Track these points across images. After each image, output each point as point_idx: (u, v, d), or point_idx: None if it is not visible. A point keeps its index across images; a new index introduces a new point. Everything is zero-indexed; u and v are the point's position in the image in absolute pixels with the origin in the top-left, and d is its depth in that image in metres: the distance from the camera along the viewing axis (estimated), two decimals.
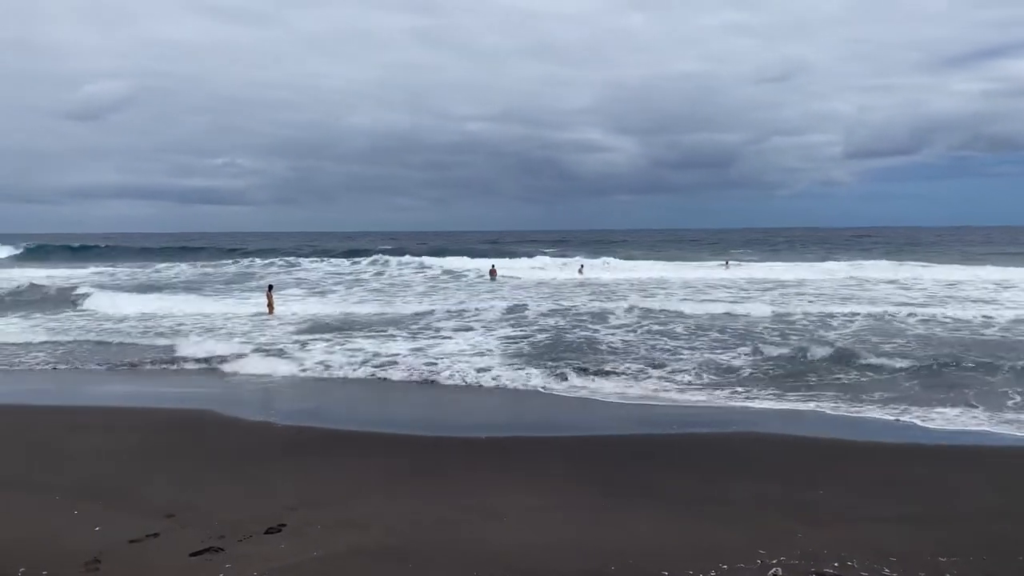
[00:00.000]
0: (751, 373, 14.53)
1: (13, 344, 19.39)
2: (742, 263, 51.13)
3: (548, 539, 6.82)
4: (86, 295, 29.42)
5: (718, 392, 13.22)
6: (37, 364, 16.81)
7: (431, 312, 25.04)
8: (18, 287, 34.01)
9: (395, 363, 15.64)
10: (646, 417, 11.59)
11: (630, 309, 23.50)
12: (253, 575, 6.00)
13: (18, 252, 77.08)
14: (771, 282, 37.68)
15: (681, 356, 16.21)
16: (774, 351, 16.27)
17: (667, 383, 13.79)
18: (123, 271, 51.59)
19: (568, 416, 11.91)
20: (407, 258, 55.54)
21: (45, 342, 19.74)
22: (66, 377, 15.52)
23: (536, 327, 20.61)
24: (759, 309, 24.06)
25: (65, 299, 29.52)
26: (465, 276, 44.02)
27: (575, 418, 11.81)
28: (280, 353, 16.96)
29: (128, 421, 11.45)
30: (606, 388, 13.25)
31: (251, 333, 20.75)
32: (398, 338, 19.21)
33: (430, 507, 7.68)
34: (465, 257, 58.92)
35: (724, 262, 50.00)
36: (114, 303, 28.01)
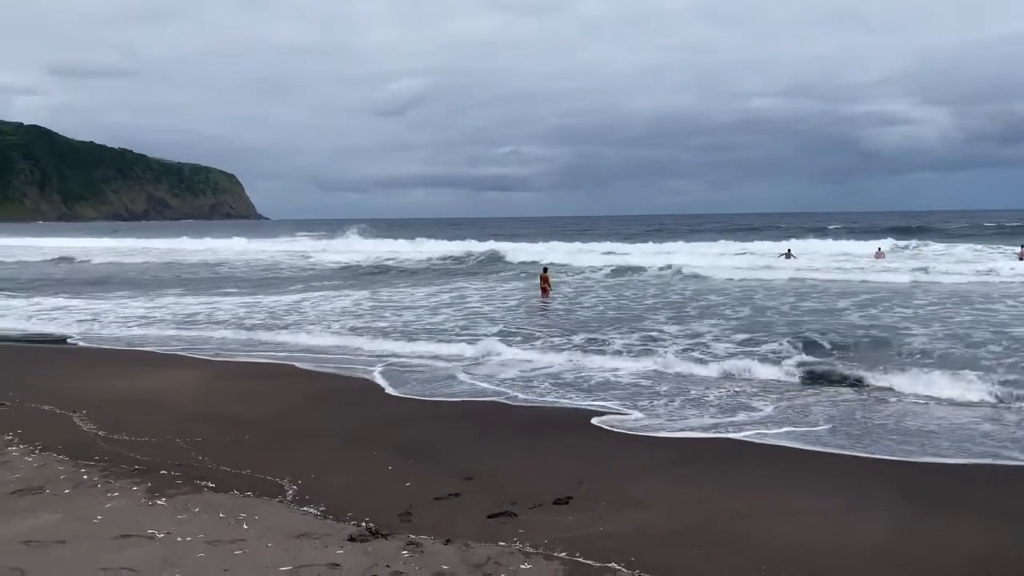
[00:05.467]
0: None
1: None
2: None
3: (845, 543, 6.39)
4: None
5: None
6: None
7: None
8: None
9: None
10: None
11: None
12: (544, 542, 6.30)
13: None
14: None
15: None
16: None
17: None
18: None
19: (872, 416, 10.96)
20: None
21: None
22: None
23: None
24: None
25: None
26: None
27: (883, 419, 10.82)
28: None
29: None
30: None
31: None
32: None
33: (718, 496, 7.54)
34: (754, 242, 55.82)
35: (1020, 249, 40.19)
36: None
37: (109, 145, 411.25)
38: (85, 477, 7.93)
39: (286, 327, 19.36)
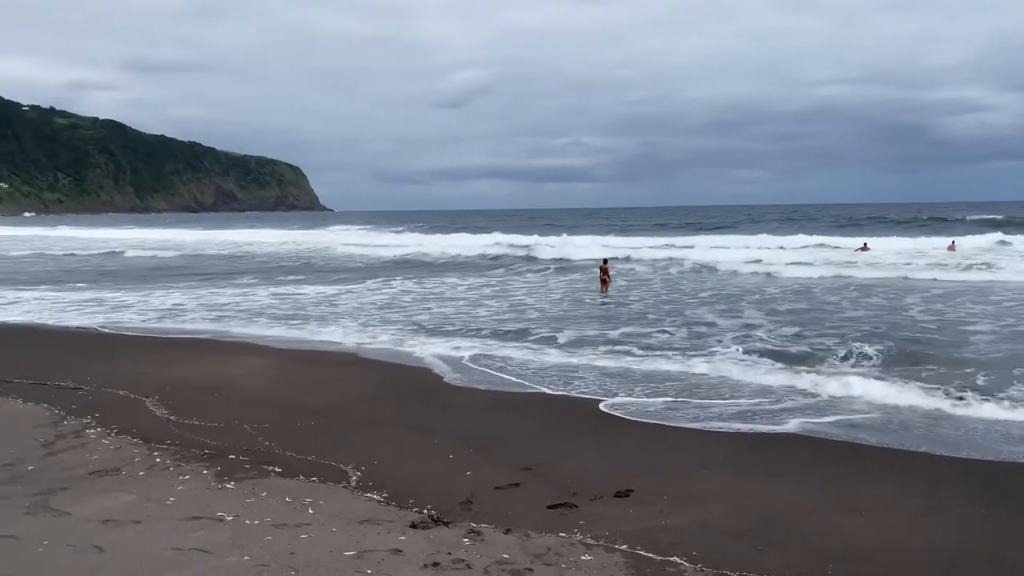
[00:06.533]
0: None
1: None
2: None
3: (916, 542, 6.22)
4: None
5: None
6: None
7: None
8: None
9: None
10: None
11: None
12: (605, 534, 6.29)
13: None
14: None
15: None
16: None
17: None
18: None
19: (931, 413, 10.63)
20: None
21: None
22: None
23: None
24: None
25: None
26: None
27: (944, 418, 10.49)
28: None
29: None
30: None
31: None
32: None
33: (778, 490, 7.42)
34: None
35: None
36: None
37: (179, 139, 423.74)
38: (158, 460, 8.21)
39: (325, 317, 19.64)
